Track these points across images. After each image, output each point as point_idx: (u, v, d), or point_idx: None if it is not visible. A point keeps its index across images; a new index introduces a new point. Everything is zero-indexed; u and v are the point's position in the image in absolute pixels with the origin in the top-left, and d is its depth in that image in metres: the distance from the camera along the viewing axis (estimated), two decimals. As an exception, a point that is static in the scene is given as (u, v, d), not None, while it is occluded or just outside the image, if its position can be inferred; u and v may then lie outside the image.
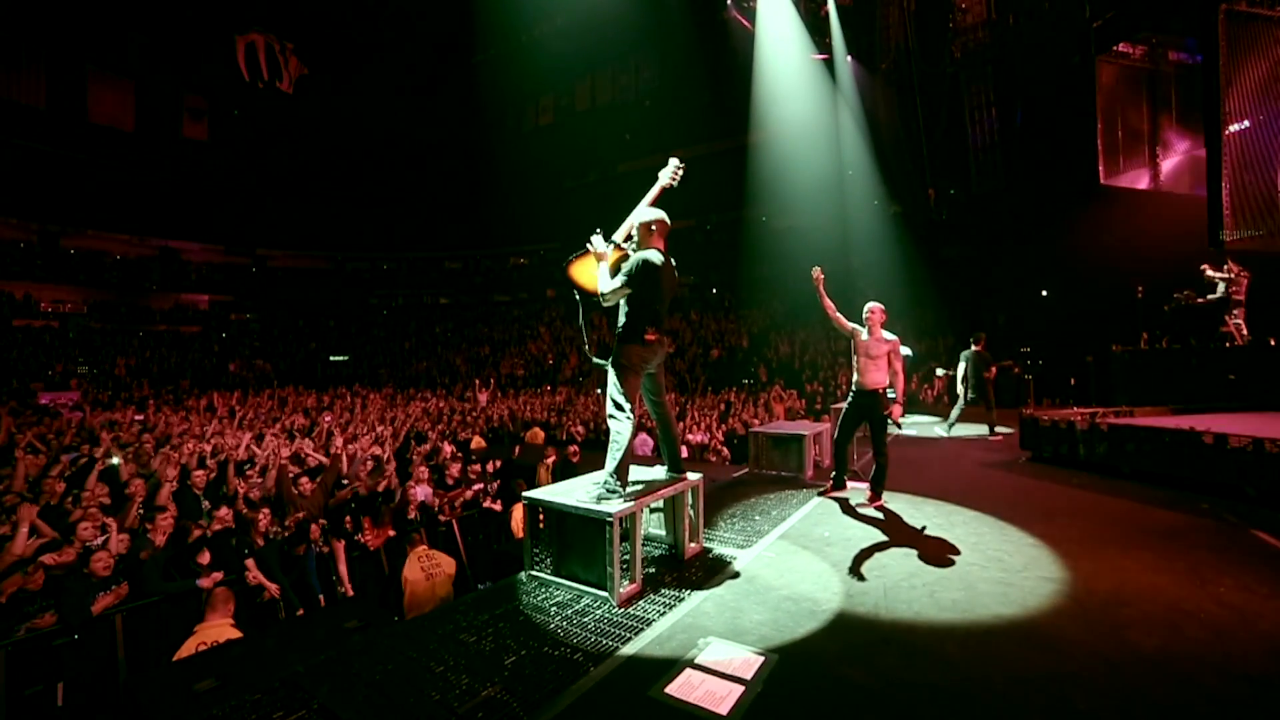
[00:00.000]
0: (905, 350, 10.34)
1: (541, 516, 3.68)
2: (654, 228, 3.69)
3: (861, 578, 3.43)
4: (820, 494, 5.12)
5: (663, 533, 4.05)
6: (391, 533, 6.12)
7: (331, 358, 27.31)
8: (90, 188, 25.50)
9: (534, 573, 3.64)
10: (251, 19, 21.79)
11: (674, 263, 3.75)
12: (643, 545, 4.11)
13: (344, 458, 6.94)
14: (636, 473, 4.03)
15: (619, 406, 3.49)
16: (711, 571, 3.61)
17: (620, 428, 3.46)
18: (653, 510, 4.19)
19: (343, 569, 5.66)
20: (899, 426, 6.25)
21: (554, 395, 17.83)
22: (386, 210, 31.25)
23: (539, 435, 11.90)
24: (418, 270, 32.71)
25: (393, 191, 31.06)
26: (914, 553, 3.78)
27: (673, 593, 3.35)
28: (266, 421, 11.88)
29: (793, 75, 21.15)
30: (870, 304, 5.01)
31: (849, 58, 16.92)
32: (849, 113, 18.66)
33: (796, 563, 3.72)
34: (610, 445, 3.44)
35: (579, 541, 3.43)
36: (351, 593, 5.54)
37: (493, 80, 26.92)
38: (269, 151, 28.38)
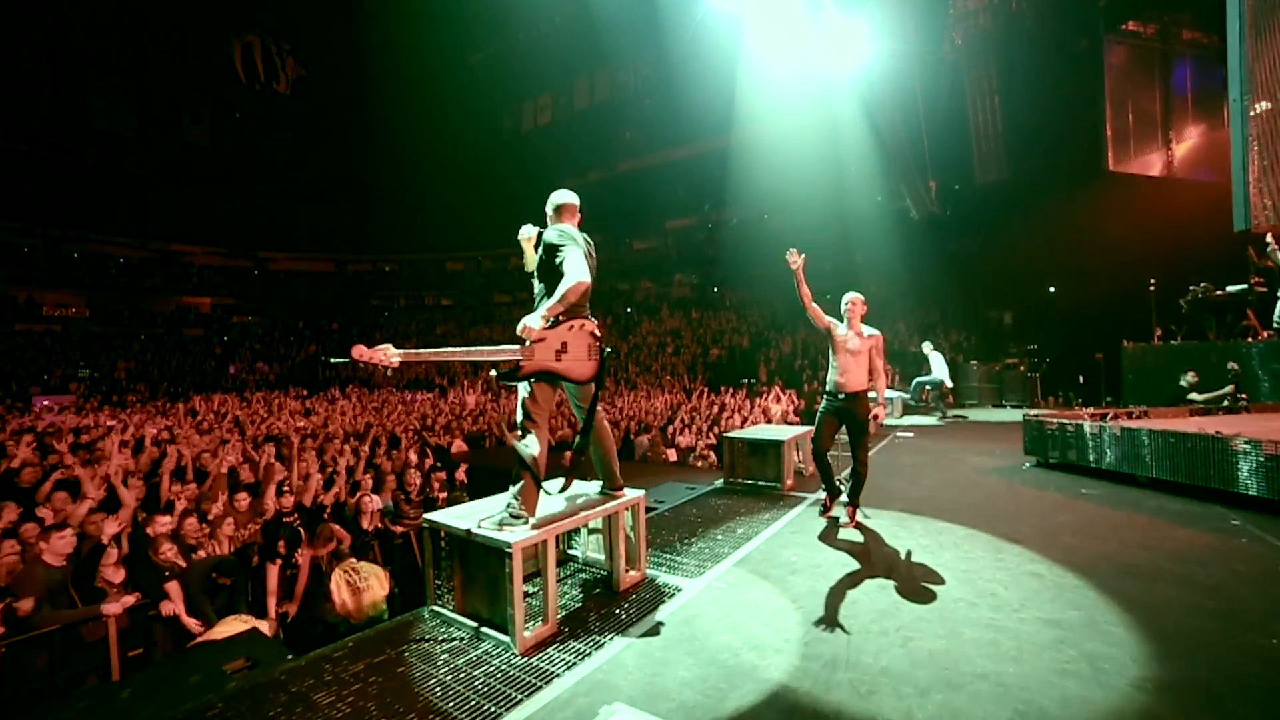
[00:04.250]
0: (942, 372, 9.88)
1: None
2: (563, 209, 3.16)
3: (824, 619, 2.79)
4: (822, 513, 4.46)
5: (604, 557, 3.45)
6: (329, 549, 5.55)
7: (332, 359, 26.77)
8: (92, 192, 25.30)
9: (436, 608, 3.04)
10: (249, 20, 21.50)
11: (595, 253, 3.17)
12: (579, 572, 3.51)
13: (275, 467, 6.37)
14: (558, 491, 3.43)
15: (528, 414, 2.89)
16: (646, 608, 2.99)
17: (528, 439, 2.86)
18: (592, 531, 3.59)
19: (271, 596, 5.08)
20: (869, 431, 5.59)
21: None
22: (388, 211, 30.86)
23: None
24: (419, 272, 32.31)
25: (394, 193, 30.67)
26: (891, 585, 3.13)
27: (594, 637, 2.74)
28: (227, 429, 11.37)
29: (792, 71, 20.49)
30: (849, 294, 4.37)
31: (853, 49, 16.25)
32: (850, 107, 17.99)
33: (751, 596, 3.09)
34: (517, 459, 2.84)
35: (482, 574, 2.83)
36: (275, 619, 4.97)
37: (491, 79, 26.44)
38: (270, 154, 28.08)
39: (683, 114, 26.96)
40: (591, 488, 3.39)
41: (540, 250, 2.99)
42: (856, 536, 3.97)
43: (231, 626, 4.41)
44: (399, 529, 6.25)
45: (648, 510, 5.35)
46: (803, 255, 4.10)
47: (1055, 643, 2.47)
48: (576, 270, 2.77)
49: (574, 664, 2.50)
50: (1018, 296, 15.14)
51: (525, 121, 29.70)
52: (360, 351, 2.65)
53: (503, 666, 2.51)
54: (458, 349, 2.78)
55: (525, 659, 2.56)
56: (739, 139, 26.54)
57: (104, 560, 4.79)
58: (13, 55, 23.64)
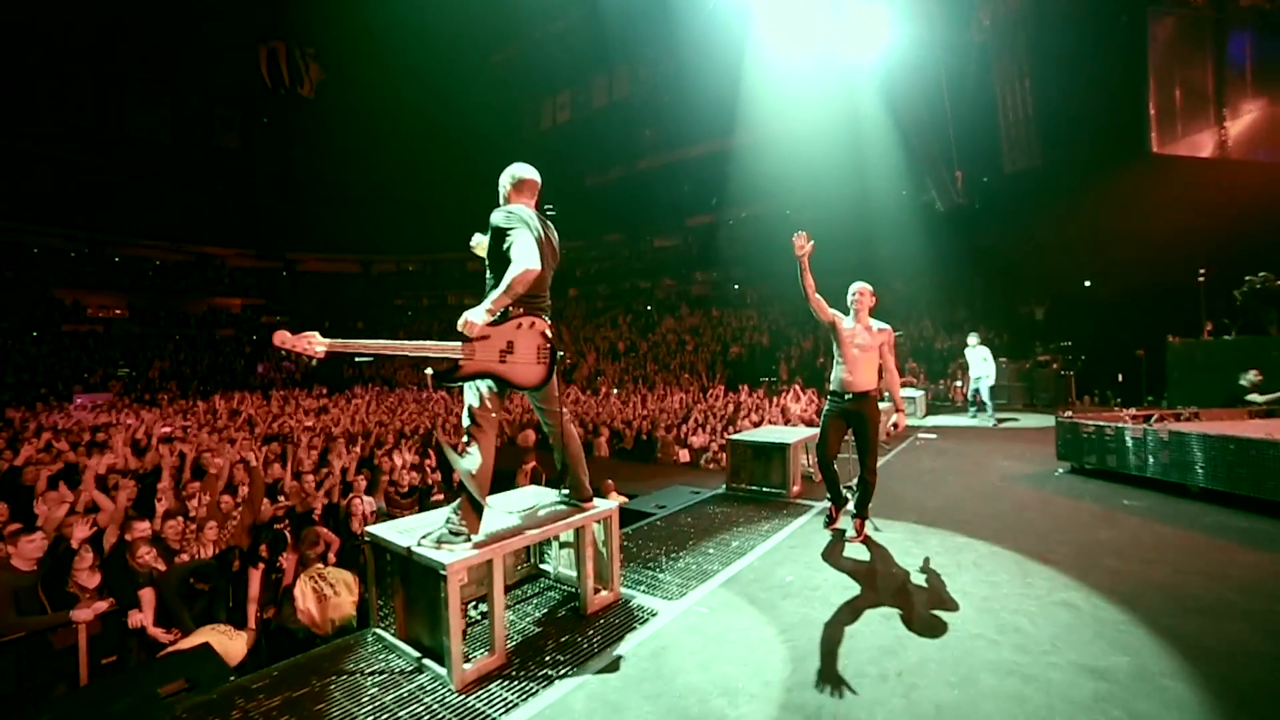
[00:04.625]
0: (988, 368, 8.91)
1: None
2: (521, 185, 2.78)
3: (813, 657, 2.36)
4: (827, 525, 4.01)
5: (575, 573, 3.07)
6: (316, 552, 5.29)
7: (356, 358, 27.10)
8: (131, 197, 25.93)
9: (380, 631, 2.70)
10: (274, 27, 21.75)
11: (555, 235, 2.79)
12: (549, 590, 3.14)
13: (260, 470, 6.14)
14: (519, 500, 3.06)
15: (474, 419, 2.53)
16: (612, 637, 2.60)
17: (470, 449, 2.50)
18: (563, 545, 3.21)
19: (252, 603, 4.83)
20: (885, 438, 5.09)
21: (564, 395, 16.94)
22: (413, 212, 31.00)
23: (530, 438, 11.03)
24: (442, 271, 32.41)
25: (417, 194, 30.80)
26: (897, 615, 2.68)
27: (546, 671, 2.36)
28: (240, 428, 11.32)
29: (812, 62, 19.82)
30: (856, 284, 3.90)
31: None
32: (872, 96, 17.26)
33: (733, 624, 2.67)
34: (458, 468, 2.48)
35: (423, 597, 2.47)
36: (254, 628, 4.71)
37: (510, 78, 26.29)
38: (299, 157, 28.45)
39: (703, 110, 26.38)
40: (549, 498, 3.02)
41: (489, 235, 2.62)
42: (863, 553, 3.51)
43: (204, 636, 4.16)
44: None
45: (645, 516, 4.98)
46: (811, 242, 3.65)
47: (1095, 699, 1.99)
48: (524, 256, 2.39)
49: (515, 705, 2.13)
50: (1050, 291, 14.26)
51: (545, 120, 29.50)
52: (283, 338, 2.31)
53: (434, 706, 2.15)
54: (393, 342, 2.43)
55: (461, 697, 2.19)
56: (760, 134, 25.89)
57: (78, 564, 4.58)
58: (59, 68, 24.36)
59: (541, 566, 3.33)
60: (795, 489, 4.89)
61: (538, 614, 2.87)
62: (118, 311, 26.12)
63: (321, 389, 20.19)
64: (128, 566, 4.68)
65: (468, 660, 2.35)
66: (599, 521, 2.89)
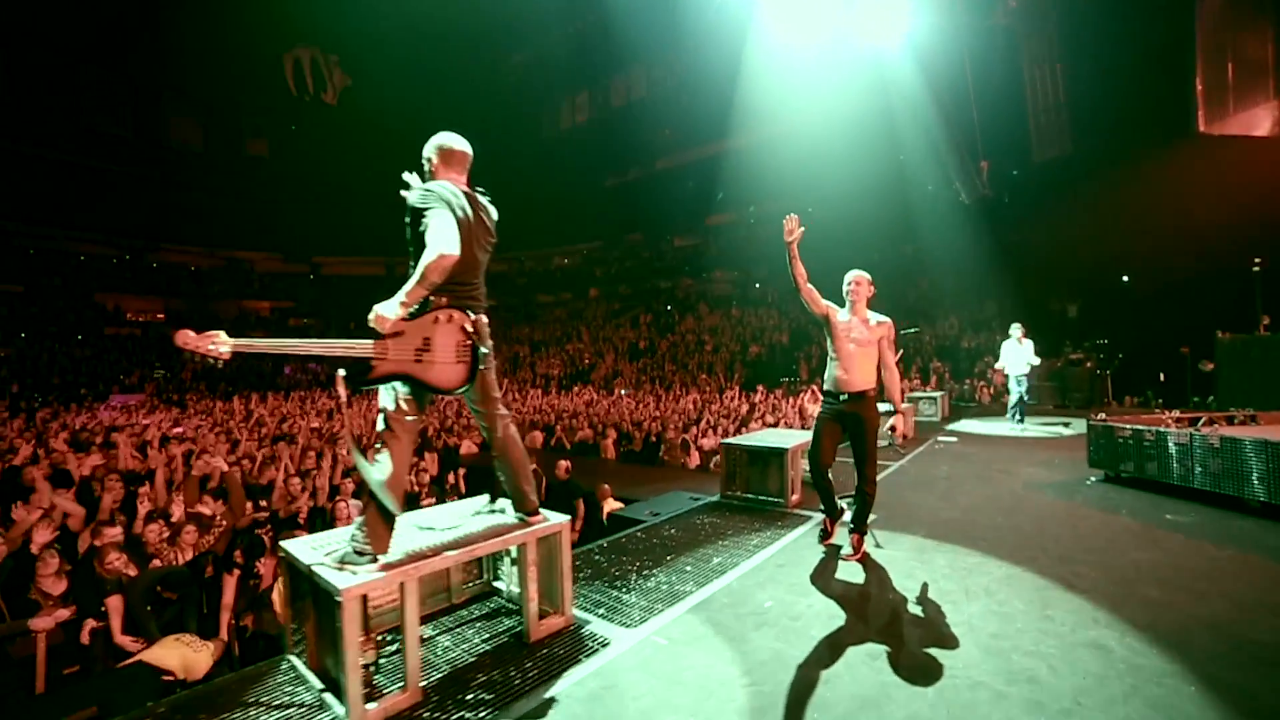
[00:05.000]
0: (1010, 366, 7.76)
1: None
2: (448, 157, 2.38)
3: (778, 706, 1.95)
4: (821, 540, 3.58)
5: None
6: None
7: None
8: (168, 205, 26.63)
9: (293, 658, 2.37)
10: (298, 35, 22.06)
11: (491, 212, 2.43)
12: (499, 612, 2.78)
13: (236, 473, 5.92)
14: (450, 514, 2.70)
15: (387, 425, 2.19)
16: (552, 671, 2.22)
17: (380, 457, 2.17)
18: (515, 562, 2.85)
19: (225, 611, 4.60)
20: (898, 445, 4.63)
21: (578, 396, 16.65)
22: (435, 215, 31.17)
23: (537, 439, 10.74)
24: (464, 273, 32.55)
25: (442, 197, 30.99)
26: (885, 653, 2.24)
27: (464, 713, 2.00)
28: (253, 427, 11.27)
29: (831, 55, 19.21)
30: (852, 272, 3.46)
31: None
32: (893, 87, 16.57)
33: (692, 660, 2.27)
34: (366, 478, 2.13)
35: (328, 623, 2.13)
36: (225, 638, 4.47)
37: (528, 79, 26.17)
38: (323, 163, 28.85)
39: (722, 107, 25.93)
40: (491, 510, 2.67)
41: (407, 216, 2.27)
42: (858, 574, 3.06)
43: (167, 648, 3.95)
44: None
45: (637, 523, 4.59)
46: (802, 228, 3.22)
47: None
48: (440, 240, 2.04)
49: (415, 761, 1.77)
50: (1084, 286, 13.39)
51: (564, 121, 29.35)
52: (185, 338, 1.99)
53: (322, 758, 1.80)
54: (303, 340, 2.10)
55: (358, 749, 1.85)
56: (780, 130, 25.31)
57: (42, 570, 4.39)
58: (102, 82, 25.13)
59: (495, 584, 2.98)
60: (794, 498, 4.44)
61: (478, 639, 2.51)
62: (153, 315, 26.82)
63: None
64: (95, 573, 4.48)
65: (374, 698, 2.01)
66: (543, 539, 2.52)
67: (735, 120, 26.29)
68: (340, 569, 2.02)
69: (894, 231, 22.69)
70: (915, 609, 2.63)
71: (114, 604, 4.28)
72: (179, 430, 9.73)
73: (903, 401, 10.39)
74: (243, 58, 25.33)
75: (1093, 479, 5.01)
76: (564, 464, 6.48)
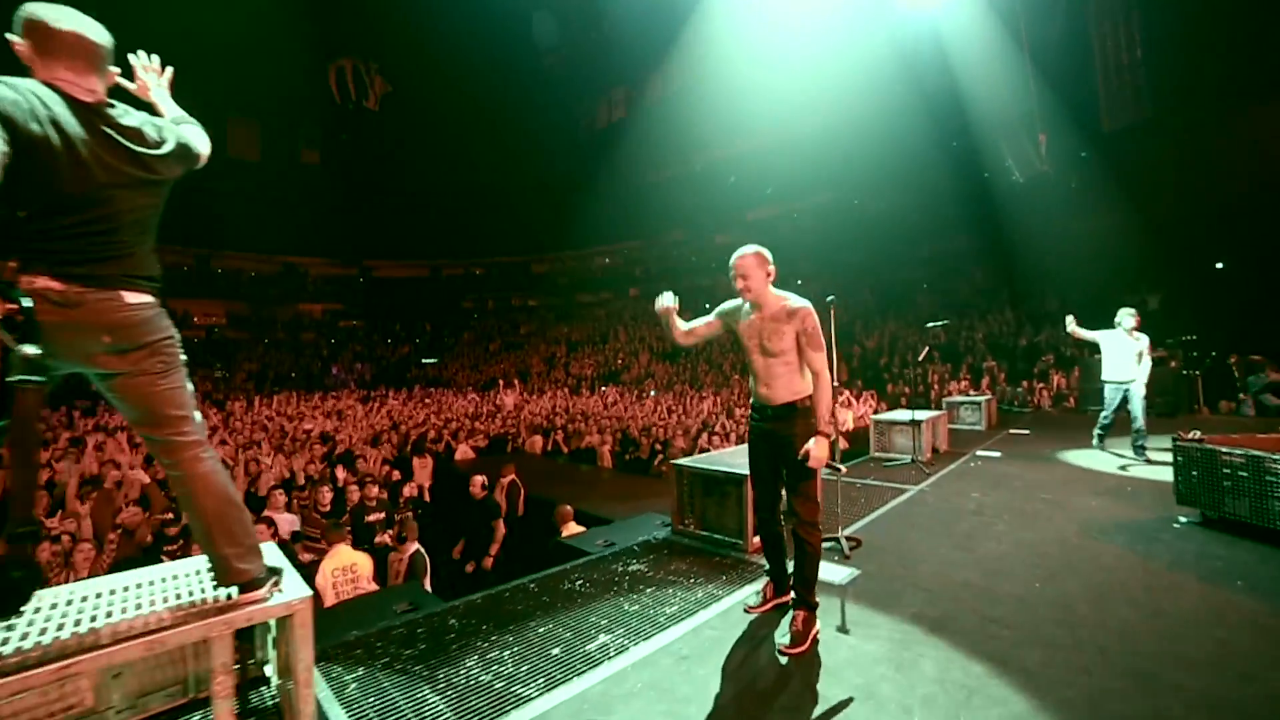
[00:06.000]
0: (1141, 369, 5.54)
1: None
2: (45, 41, 1.48)
3: None
4: (749, 609, 2.58)
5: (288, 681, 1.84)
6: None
7: (423, 360, 27.53)
8: (229, 213, 27.69)
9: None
10: (342, 45, 22.28)
11: (130, 129, 1.56)
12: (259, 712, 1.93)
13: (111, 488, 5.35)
14: (106, 587, 1.83)
15: None
16: None
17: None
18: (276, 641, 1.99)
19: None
20: (837, 471, 3.49)
21: (603, 397, 15.82)
22: (476, 217, 31.23)
23: (536, 444, 9.97)
24: (507, 274, 32.49)
25: (482, 198, 31.00)
26: None
27: None
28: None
29: (879, 33, 17.66)
30: (737, 253, 2.42)
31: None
32: (948, 60, 14.86)
33: None
34: None
35: None
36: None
37: (565, 77, 25.61)
38: (371, 168, 29.34)
39: (761, 100, 24.62)
40: (181, 578, 1.80)
41: None
42: (787, 686, 2.02)
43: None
44: (306, 556, 5.02)
45: (580, 555, 3.68)
46: (675, 300, 2.62)
47: None
48: None
49: None
50: (1167, 273, 11.40)
51: (600, 119, 28.66)
52: None
53: None
54: None
55: None
56: (823, 121, 23.81)
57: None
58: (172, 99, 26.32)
59: (266, 670, 2.13)
60: (757, 541, 3.40)
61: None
62: (217, 319, 27.93)
63: (381, 389, 20.32)
64: None
65: None
66: (236, 630, 1.63)
67: (778, 111, 24.97)
68: None
69: (945, 222, 20.83)
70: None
71: None
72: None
73: (837, 419, 8.48)
74: (295, 71, 25.97)
75: (1183, 520, 3.70)
76: (479, 479, 5.64)
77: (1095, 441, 6.08)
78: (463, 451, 9.38)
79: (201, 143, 1.77)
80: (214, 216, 27.51)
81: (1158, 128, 10.45)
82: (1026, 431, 7.63)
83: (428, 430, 10.41)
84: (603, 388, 18.26)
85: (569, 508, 5.22)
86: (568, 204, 29.71)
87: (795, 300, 2.35)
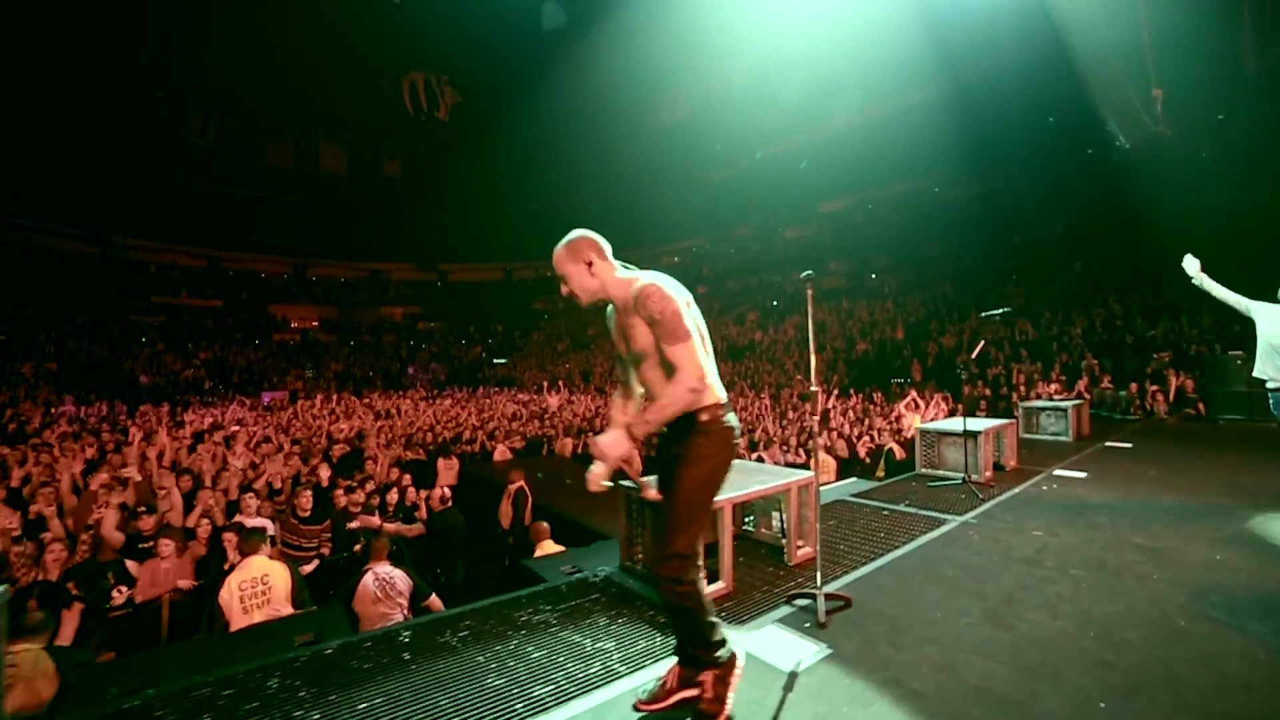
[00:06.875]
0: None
1: None
2: None
3: None
4: (639, 705, 1.84)
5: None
6: (162, 591, 4.24)
7: (495, 360, 28.13)
8: (321, 225, 29.69)
9: None
10: (414, 59, 23.09)
11: None
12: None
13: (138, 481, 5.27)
14: None
15: None
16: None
17: None
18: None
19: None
20: (635, 490, 2.60)
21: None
22: (548, 220, 31.58)
23: (567, 446, 9.52)
24: (576, 275, 32.65)
25: (553, 200, 31.31)
26: None
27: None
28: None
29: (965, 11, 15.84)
30: (571, 235, 1.93)
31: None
32: (1045, 37, 12.95)
33: None
34: None
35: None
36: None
37: (628, 77, 25.27)
38: (449, 178, 30.42)
39: (830, 87, 23.06)
40: None
41: None
42: None
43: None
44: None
45: (537, 583, 3.12)
46: None
47: None
48: None
49: None
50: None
51: (664, 117, 28.05)
52: None
53: None
54: None
55: None
56: (901, 103, 21.90)
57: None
58: (274, 124, 28.56)
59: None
60: (721, 587, 2.66)
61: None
62: (311, 323, 30.00)
63: (454, 389, 20.85)
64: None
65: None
66: None
67: (849, 95, 23.36)
68: None
69: (1039, 205, 18.51)
70: None
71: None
72: (235, 429, 9.86)
73: (903, 423, 7.09)
74: (374, 86, 27.34)
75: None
76: (440, 492, 5.15)
77: None
78: (500, 453, 9.12)
79: None
80: (310, 228, 29.64)
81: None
82: (1128, 445, 6.21)
83: (463, 431, 10.24)
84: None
85: (545, 525, 4.66)
86: (633, 203, 29.38)
87: (641, 280, 1.65)
